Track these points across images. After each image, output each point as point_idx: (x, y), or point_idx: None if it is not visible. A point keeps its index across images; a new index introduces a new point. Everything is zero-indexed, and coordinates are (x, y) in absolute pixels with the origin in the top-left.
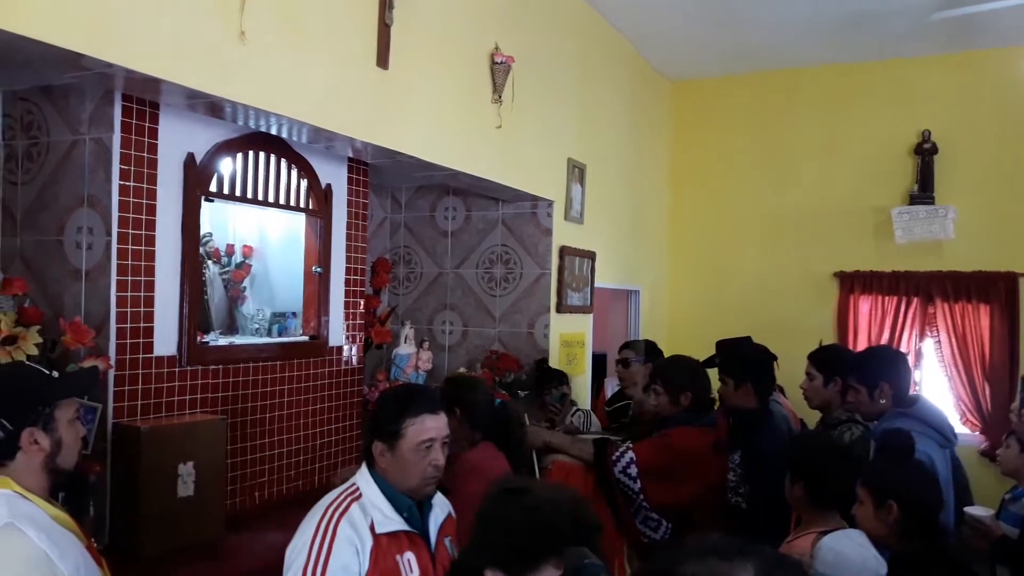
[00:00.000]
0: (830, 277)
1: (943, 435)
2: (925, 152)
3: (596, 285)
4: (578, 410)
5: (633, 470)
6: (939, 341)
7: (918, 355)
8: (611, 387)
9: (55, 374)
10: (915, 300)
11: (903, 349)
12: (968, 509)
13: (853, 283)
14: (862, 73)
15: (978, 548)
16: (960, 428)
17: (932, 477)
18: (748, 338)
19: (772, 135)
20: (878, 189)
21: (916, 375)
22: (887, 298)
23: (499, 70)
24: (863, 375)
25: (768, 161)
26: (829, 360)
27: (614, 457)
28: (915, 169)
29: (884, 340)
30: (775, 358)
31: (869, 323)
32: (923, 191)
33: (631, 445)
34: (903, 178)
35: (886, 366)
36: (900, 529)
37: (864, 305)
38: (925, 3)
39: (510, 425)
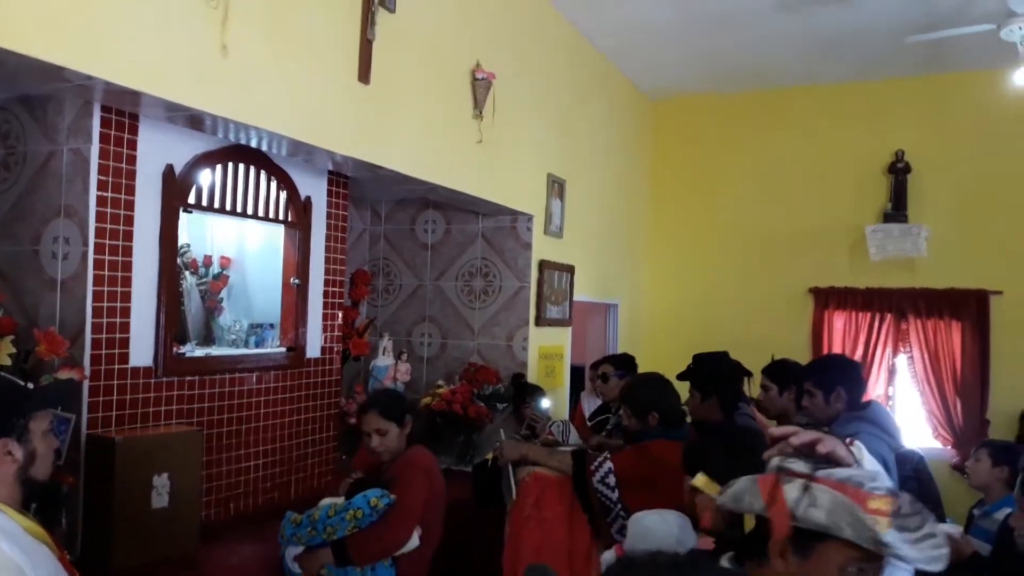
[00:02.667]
0: (805, 293)
1: (894, 439)
2: (899, 171)
3: (575, 298)
4: (556, 421)
5: (612, 479)
6: (912, 357)
7: (891, 371)
8: (588, 400)
9: (29, 385)
10: (888, 316)
11: (876, 364)
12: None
13: (828, 299)
14: (838, 93)
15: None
16: (931, 443)
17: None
18: (725, 353)
19: (750, 153)
20: (853, 207)
21: (889, 390)
22: (861, 314)
23: (480, 86)
24: (819, 380)
25: (746, 179)
26: (782, 371)
27: (593, 467)
28: (889, 188)
29: (858, 355)
30: (749, 373)
31: (843, 338)
32: (896, 209)
33: (609, 455)
34: (877, 196)
35: (841, 372)
36: (726, 519)
37: (839, 321)
38: (900, 26)
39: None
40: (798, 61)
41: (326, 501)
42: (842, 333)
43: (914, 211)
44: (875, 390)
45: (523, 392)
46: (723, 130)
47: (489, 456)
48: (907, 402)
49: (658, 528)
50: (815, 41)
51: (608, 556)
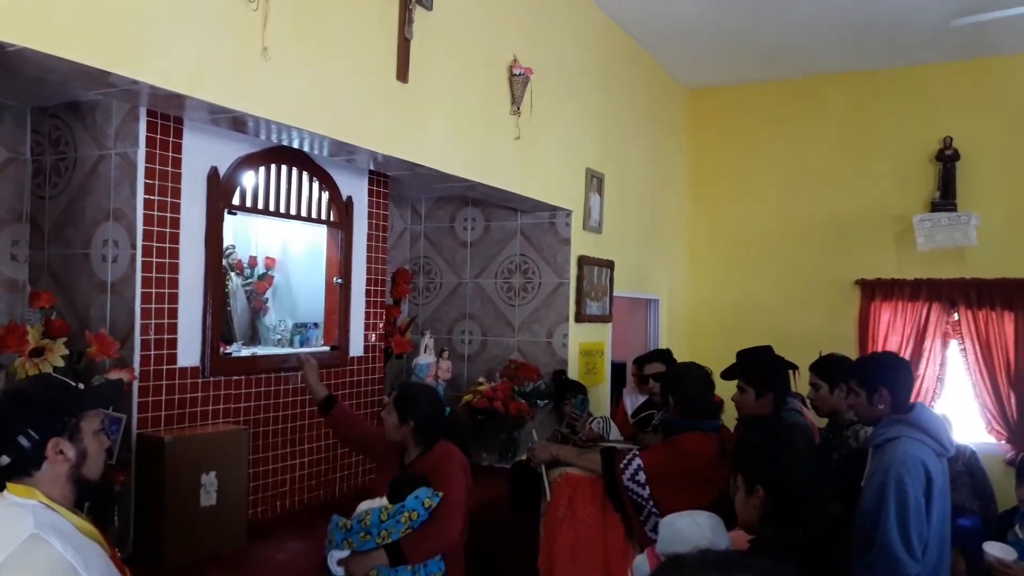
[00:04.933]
0: (851, 285)
1: (940, 443)
2: (947, 159)
3: (615, 294)
4: (596, 418)
5: (641, 476)
6: (963, 349)
7: (941, 363)
8: (630, 397)
9: (80, 386)
10: (938, 307)
11: (926, 357)
12: (988, 547)
13: (875, 291)
14: (882, 80)
15: None
16: (986, 437)
17: (806, 466)
18: (769, 347)
19: (791, 143)
20: (899, 196)
21: (939, 385)
22: (909, 305)
23: (517, 81)
24: (863, 379)
25: (788, 169)
26: (831, 368)
27: (622, 465)
28: (937, 176)
29: (907, 348)
30: (796, 368)
31: (890, 331)
32: (945, 198)
33: (638, 452)
34: (924, 185)
35: (887, 372)
36: (764, 515)
37: (886, 313)
38: (945, 10)
39: (459, 428)
40: (838, 48)
41: (366, 504)
42: (890, 325)
43: (963, 199)
44: (925, 384)
45: (564, 389)
46: (763, 120)
47: (524, 457)
48: (959, 396)
49: (690, 530)
50: (855, 27)
51: (640, 561)
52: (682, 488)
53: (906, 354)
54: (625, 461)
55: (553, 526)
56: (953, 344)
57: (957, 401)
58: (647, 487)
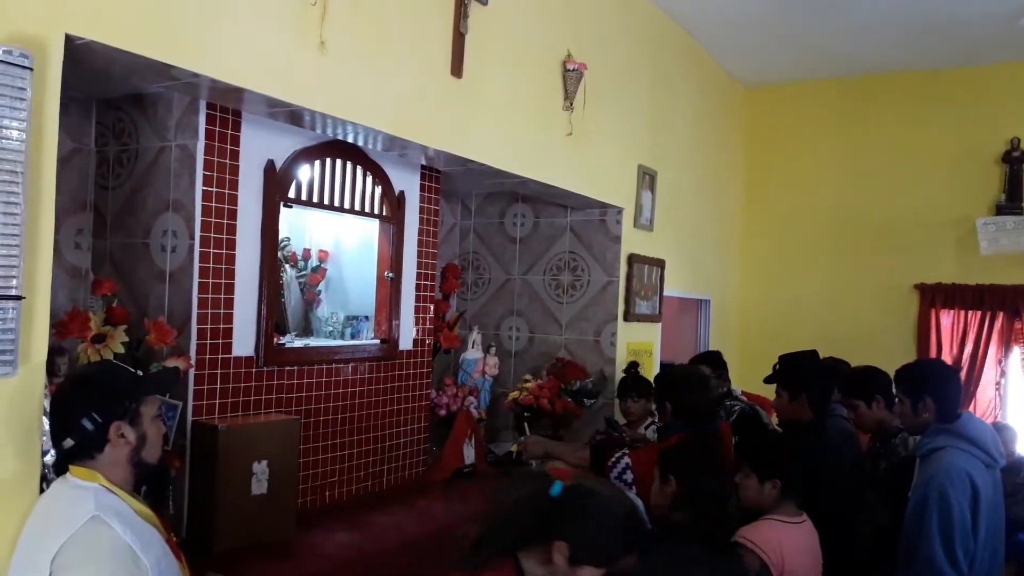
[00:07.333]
0: (911, 290)
1: (988, 454)
2: (1014, 160)
3: (665, 293)
4: (652, 422)
5: (628, 476)
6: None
7: (1003, 372)
8: None
9: (139, 373)
10: (1001, 315)
11: (988, 366)
12: None
13: (935, 296)
14: (946, 79)
15: None
16: None
17: (714, 467)
18: (814, 351)
19: (850, 142)
20: (962, 198)
21: (1000, 393)
22: (971, 312)
23: (571, 77)
24: (908, 388)
25: (846, 168)
26: (860, 384)
27: (610, 463)
28: (1003, 178)
29: (967, 356)
30: (842, 371)
31: (951, 338)
32: (1011, 201)
33: (627, 451)
34: (989, 187)
35: (931, 380)
36: (674, 502)
37: (946, 319)
38: (1012, 8)
39: None
40: (901, 45)
41: None
42: (950, 332)
43: None
44: (989, 394)
45: (624, 387)
46: (820, 118)
47: (513, 449)
48: (1021, 405)
49: None
50: (918, 25)
51: None
52: (667, 487)
53: (967, 363)
54: (614, 459)
55: None
56: (1016, 352)
57: (1018, 411)
58: (633, 487)
